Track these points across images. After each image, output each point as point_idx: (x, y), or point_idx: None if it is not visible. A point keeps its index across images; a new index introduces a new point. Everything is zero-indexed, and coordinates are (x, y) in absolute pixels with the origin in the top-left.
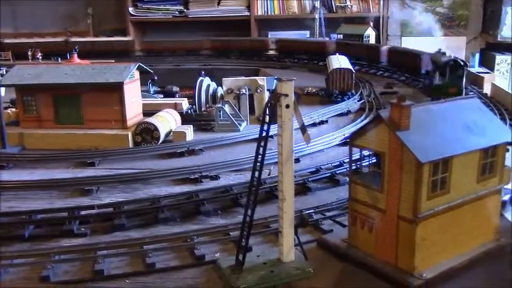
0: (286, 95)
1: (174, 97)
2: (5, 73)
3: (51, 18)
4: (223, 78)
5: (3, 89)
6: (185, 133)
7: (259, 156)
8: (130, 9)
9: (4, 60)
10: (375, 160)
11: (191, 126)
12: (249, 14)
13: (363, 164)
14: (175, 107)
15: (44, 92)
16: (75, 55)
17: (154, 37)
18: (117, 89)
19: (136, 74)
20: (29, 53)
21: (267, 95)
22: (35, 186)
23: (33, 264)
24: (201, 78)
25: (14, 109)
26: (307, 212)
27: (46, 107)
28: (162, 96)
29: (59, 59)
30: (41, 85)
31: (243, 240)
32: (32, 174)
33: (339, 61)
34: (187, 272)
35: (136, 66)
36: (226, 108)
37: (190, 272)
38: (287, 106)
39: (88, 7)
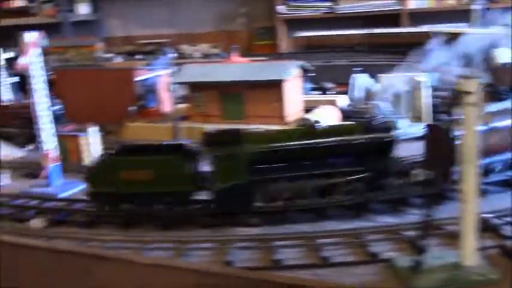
0: (471, 93)
1: (328, 94)
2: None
3: (207, 18)
4: (380, 75)
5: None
6: None
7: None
8: (280, 7)
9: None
10: None
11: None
12: (400, 7)
13: None
14: (332, 103)
15: (211, 89)
16: (235, 53)
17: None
18: (277, 86)
19: (297, 71)
20: (188, 52)
21: (425, 92)
22: None
23: (216, 249)
24: (355, 74)
25: (183, 104)
26: (486, 215)
27: (213, 103)
28: (320, 92)
29: (220, 56)
30: (209, 83)
31: (422, 240)
32: None
33: (507, 54)
34: (362, 268)
35: (297, 64)
36: (383, 106)
37: (365, 269)
38: (471, 104)
39: (240, 7)
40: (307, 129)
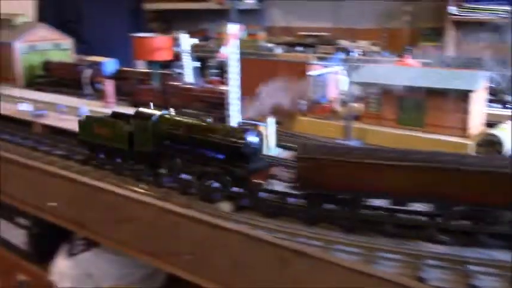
0: None
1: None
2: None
3: (369, 14)
4: None
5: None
6: None
7: None
8: (452, 8)
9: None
10: None
11: None
12: None
13: None
14: None
15: (390, 92)
16: (408, 55)
17: (472, 38)
18: (465, 96)
19: (483, 82)
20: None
21: None
22: None
23: (405, 262)
24: None
25: (357, 104)
26: None
27: (389, 107)
28: (500, 106)
29: (381, 55)
30: (389, 86)
31: None
32: None
33: None
34: None
35: (485, 74)
36: None
37: None
38: None
39: (405, 4)
40: (197, 121)
